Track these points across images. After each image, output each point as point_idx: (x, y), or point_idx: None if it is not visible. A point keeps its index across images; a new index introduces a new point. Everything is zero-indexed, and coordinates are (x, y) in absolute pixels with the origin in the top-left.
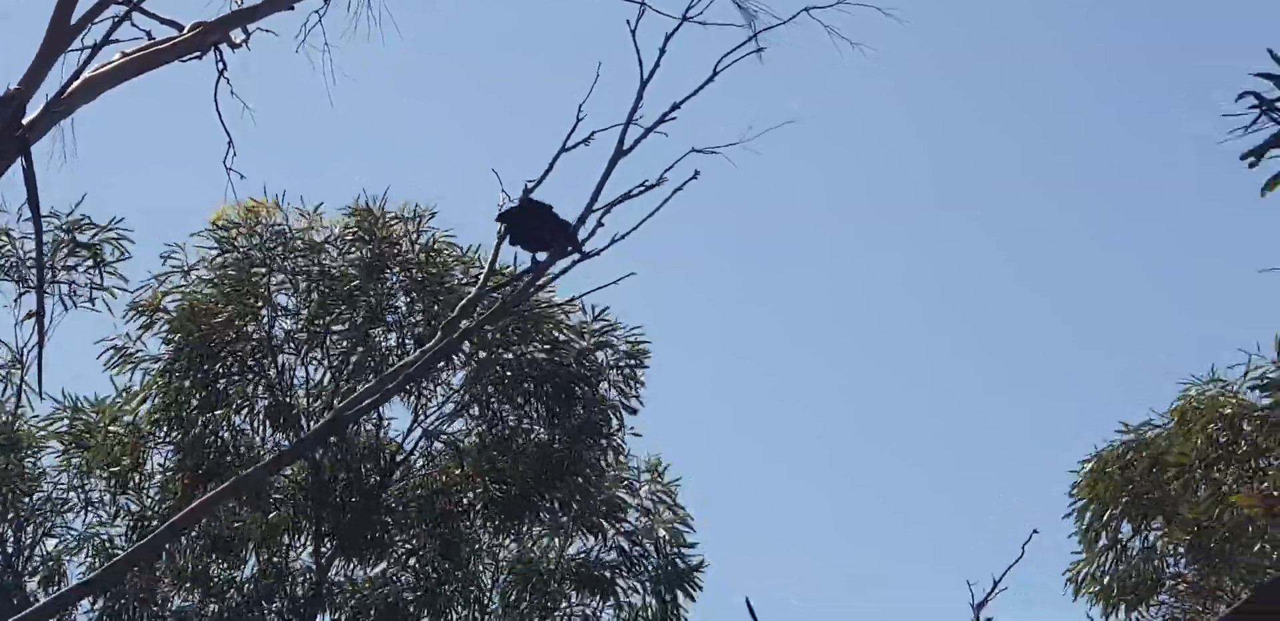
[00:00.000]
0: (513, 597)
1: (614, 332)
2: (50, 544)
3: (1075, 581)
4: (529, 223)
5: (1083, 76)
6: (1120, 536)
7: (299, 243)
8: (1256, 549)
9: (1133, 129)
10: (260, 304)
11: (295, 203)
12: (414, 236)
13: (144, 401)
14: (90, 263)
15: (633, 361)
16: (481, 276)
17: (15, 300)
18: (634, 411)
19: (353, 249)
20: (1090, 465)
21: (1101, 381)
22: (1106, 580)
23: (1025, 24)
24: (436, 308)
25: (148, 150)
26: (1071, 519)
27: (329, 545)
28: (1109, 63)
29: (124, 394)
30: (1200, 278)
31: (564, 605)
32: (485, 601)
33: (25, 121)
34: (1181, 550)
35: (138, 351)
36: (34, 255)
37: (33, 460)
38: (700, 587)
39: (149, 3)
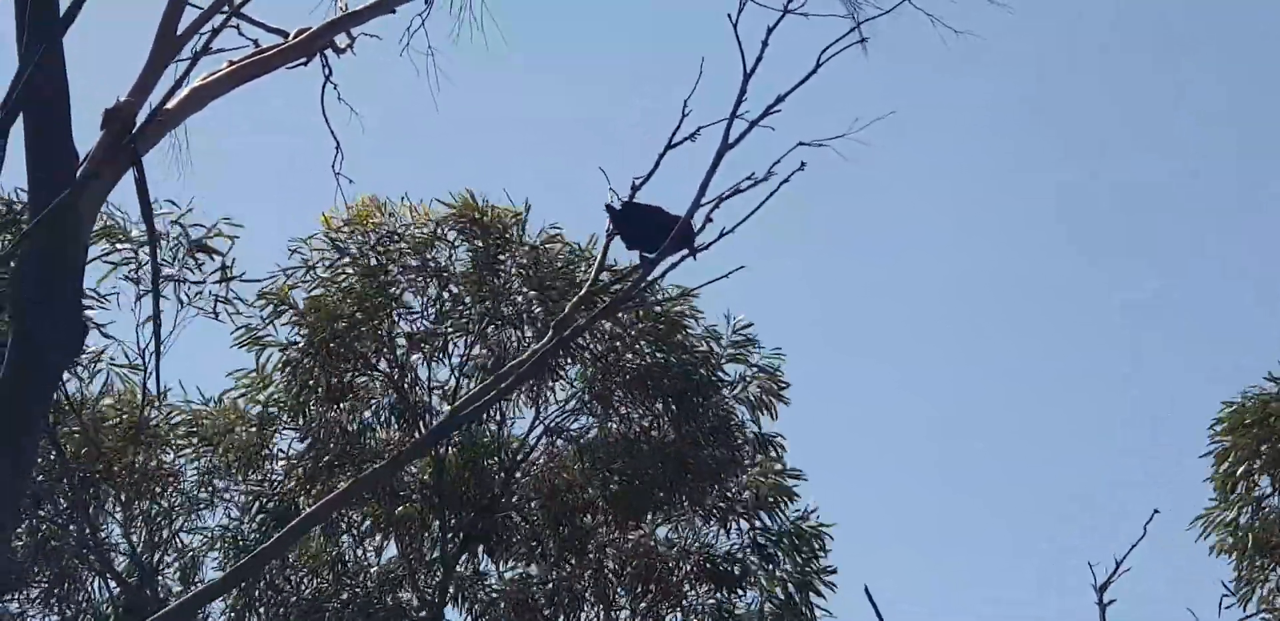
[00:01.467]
0: (639, 590)
1: (751, 348)
2: (186, 540)
3: (1205, 530)
4: (644, 225)
5: (1203, 53)
6: (1258, 488)
7: (410, 241)
8: None
9: (1251, 105)
10: (384, 302)
11: (401, 201)
12: (521, 229)
13: (269, 385)
14: (217, 275)
15: (771, 390)
16: (591, 274)
17: (135, 301)
18: (771, 443)
19: (462, 242)
20: (1231, 409)
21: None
22: (1242, 534)
23: (1132, 4)
24: (553, 302)
25: (259, 157)
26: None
27: (455, 540)
28: (1233, 40)
29: (251, 377)
30: None
31: (692, 599)
32: (613, 597)
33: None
34: None
35: (267, 335)
36: (149, 263)
37: (166, 458)
38: (833, 586)
39: (253, 12)
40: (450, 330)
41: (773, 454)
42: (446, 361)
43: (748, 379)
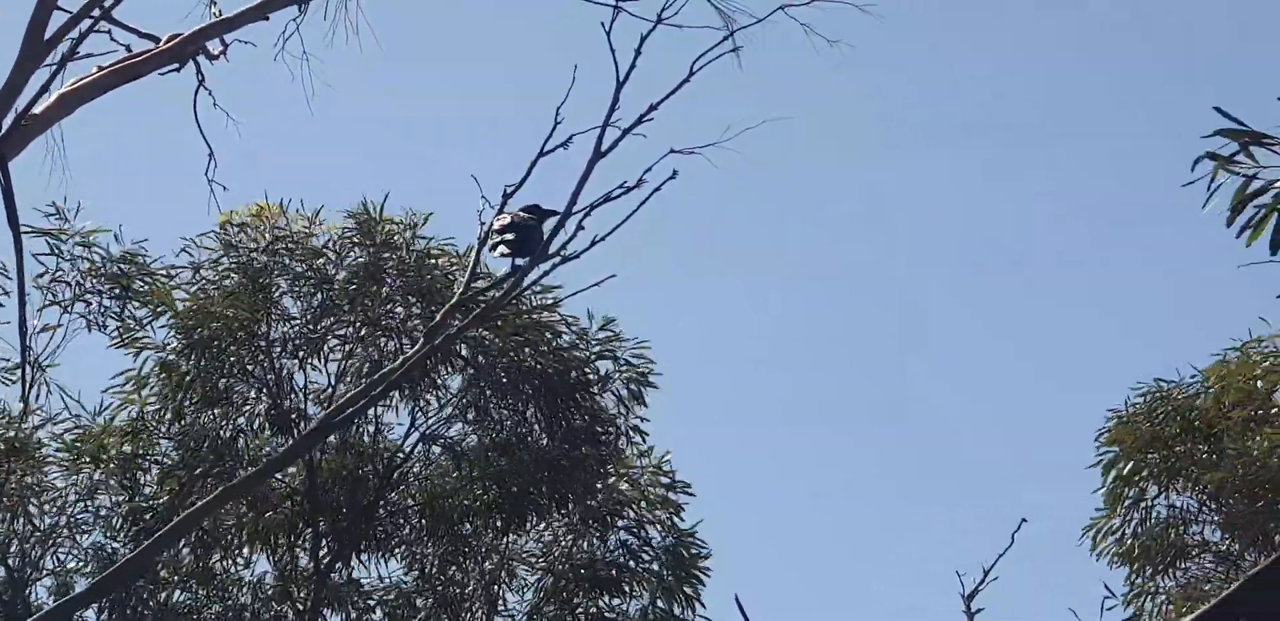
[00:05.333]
0: (529, 598)
1: (618, 343)
2: (60, 559)
3: (1094, 538)
4: (515, 232)
5: (1071, 68)
6: (1146, 496)
7: (301, 247)
8: None
9: (1123, 118)
10: (266, 306)
11: (298, 207)
12: (410, 242)
13: (145, 387)
14: (115, 292)
15: (639, 378)
16: (463, 281)
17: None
18: (639, 430)
19: (350, 253)
20: (1117, 417)
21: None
22: (1130, 542)
23: (1004, 16)
24: (432, 311)
25: (135, 163)
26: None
27: (328, 548)
28: (1099, 55)
29: (129, 375)
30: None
31: (579, 605)
32: (500, 604)
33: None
34: (1211, 517)
35: (144, 336)
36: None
37: (46, 473)
38: (707, 575)
39: (125, 17)
40: (328, 336)
41: (651, 459)
42: (323, 368)
43: (614, 374)
